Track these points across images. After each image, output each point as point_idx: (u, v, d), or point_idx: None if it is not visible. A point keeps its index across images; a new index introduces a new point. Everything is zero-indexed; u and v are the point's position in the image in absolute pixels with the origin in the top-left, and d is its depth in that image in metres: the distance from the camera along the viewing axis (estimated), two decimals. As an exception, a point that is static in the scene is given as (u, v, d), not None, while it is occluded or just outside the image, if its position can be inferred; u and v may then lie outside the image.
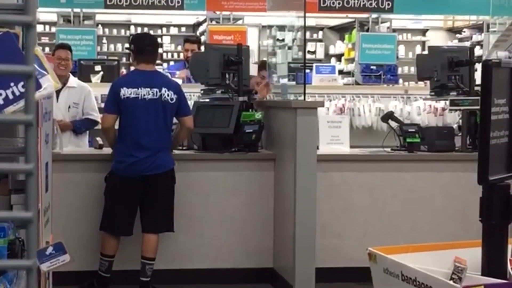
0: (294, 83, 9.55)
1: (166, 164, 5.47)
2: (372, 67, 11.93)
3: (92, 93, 6.56)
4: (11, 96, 2.59)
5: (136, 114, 5.37)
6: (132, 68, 9.11)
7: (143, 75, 5.44)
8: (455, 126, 6.67)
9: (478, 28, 14.99)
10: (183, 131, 5.62)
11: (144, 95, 5.37)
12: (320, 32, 16.49)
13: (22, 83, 2.51)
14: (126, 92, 5.37)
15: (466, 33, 15.83)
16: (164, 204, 5.52)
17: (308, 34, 15.54)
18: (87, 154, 6.00)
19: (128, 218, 5.49)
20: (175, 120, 5.59)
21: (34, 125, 1.25)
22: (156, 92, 5.38)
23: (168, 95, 5.40)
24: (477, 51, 12.65)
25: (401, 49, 15.63)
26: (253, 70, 6.72)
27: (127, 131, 5.42)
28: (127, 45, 16.08)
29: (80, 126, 6.45)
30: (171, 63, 16.62)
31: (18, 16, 1.24)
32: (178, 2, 11.65)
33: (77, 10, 12.16)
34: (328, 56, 16.13)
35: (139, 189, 5.43)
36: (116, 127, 5.57)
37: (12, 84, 2.59)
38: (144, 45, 5.52)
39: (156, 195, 5.47)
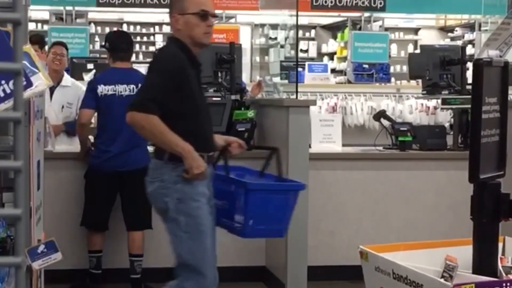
0: (286, 81, 9.56)
1: (140, 160, 5.45)
2: (364, 65, 11.94)
3: None
4: (2, 94, 2.59)
5: (113, 111, 5.41)
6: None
7: (120, 72, 5.50)
8: (446, 124, 6.69)
9: (470, 27, 15.02)
10: None
11: (121, 91, 5.45)
12: (313, 31, 16.50)
13: (13, 81, 2.50)
14: (104, 89, 5.45)
15: (458, 32, 15.86)
16: (140, 201, 5.52)
17: (300, 32, 15.55)
18: (79, 152, 5.98)
19: (103, 213, 5.54)
20: None
21: (23, 123, 1.25)
22: (133, 88, 5.45)
23: None
24: (469, 50, 12.69)
25: (393, 48, 15.65)
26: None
27: (104, 127, 5.49)
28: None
29: (74, 128, 6.42)
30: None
31: (6, 13, 1.24)
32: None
33: (69, 8, 12.14)
34: (320, 54, 16.14)
35: (114, 185, 5.48)
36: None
37: (3, 82, 2.58)
38: (119, 43, 5.58)
39: (132, 192, 5.49)
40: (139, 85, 5.40)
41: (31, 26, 14.88)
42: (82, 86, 6.61)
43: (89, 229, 5.60)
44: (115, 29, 16.14)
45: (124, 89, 5.45)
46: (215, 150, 4.03)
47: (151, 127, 3.75)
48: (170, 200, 3.84)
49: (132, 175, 5.43)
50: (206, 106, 4.07)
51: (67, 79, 6.51)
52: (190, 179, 3.77)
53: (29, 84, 2.77)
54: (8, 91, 2.61)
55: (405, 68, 14.52)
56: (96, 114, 5.61)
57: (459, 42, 14.85)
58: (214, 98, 6.19)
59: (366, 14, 12.73)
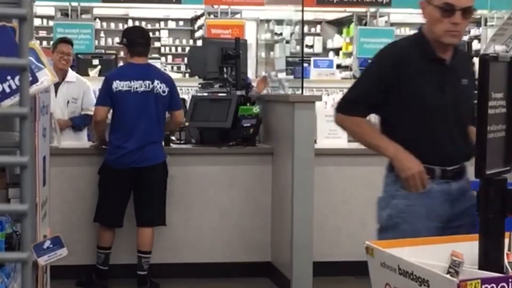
0: (292, 77, 9.56)
1: (156, 157, 5.48)
2: (370, 61, 11.91)
3: (91, 88, 6.56)
4: (7, 90, 2.60)
5: (128, 107, 5.40)
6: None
7: (136, 68, 5.47)
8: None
9: (476, 22, 14.98)
10: (172, 125, 5.68)
11: (136, 87, 5.41)
12: (318, 26, 16.48)
13: (18, 77, 2.51)
14: (118, 85, 5.41)
15: (464, 27, 15.80)
16: (155, 197, 5.54)
17: (306, 28, 15.53)
18: (85, 148, 6.00)
19: (118, 209, 5.53)
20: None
21: (29, 118, 1.25)
22: (149, 84, 5.42)
23: (160, 87, 5.44)
24: (475, 45, 12.66)
25: (399, 43, 15.60)
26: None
27: (119, 123, 5.46)
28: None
29: (80, 123, 6.44)
30: (169, 57, 16.62)
31: (12, 8, 1.23)
32: (176, -4, 11.64)
33: (74, 3, 12.16)
34: (326, 50, 16.13)
35: (129, 181, 5.46)
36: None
37: (8, 77, 2.59)
38: (136, 38, 5.55)
39: (146, 188, 5.49)
40: (155, 81, 5.41)
41: (37, 22, 14.91)
42: (87, 81, 6.64)
43: (103, 225, 5.59)
44: (120, 25, 16.17)
45: (140, 85, 5.41)
46: (464, 160, 3.34)
47: (352, 130, 3.44)
48: (384, 215, 3.42)
49: (147, 171, 5.44)
50: (449, 108, 3.32)
51: (71, 74, 6.53)
52: (405, 187, 3.26)
53: (35, 79, 2.77)
54: (14, 86, 2.61)
55: (410, 63, 14.46)
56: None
57: (465, 38, 14.81)
58: (219, 94, 6.20)
59: (372, 9, 12.71)
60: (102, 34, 16.02)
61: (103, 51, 13.95)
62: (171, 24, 16.76)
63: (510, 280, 2.72)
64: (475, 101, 2.90)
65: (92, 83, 6.82)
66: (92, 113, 6.39)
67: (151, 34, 17.11)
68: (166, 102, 5.48)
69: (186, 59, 14.91)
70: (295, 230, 5.54)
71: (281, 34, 14.50)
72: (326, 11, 15.00)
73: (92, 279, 5.63)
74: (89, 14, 12.70)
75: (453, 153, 3.34)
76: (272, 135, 6.04)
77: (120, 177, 5.45)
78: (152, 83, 5.43)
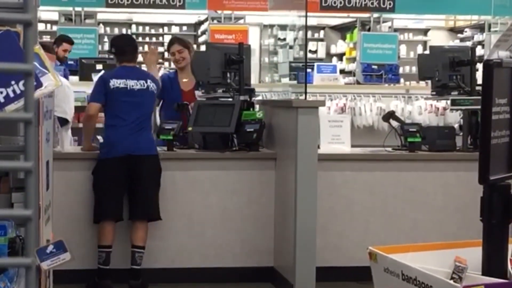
0: (295, 82, 9.57)
1: (149, 147, 5.68)
2: (373, 66, 11.93)
3: None
4: (11, 94, 2.60)
5: (124, 101, 5.64)
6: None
7: (129, 70, 5.78)
8: (456, 125, 6.67)
9: (480, 28, 14.98)
10: None
11: (132, 85, 5.68)
12: (322, 32, 16.49)
13: (23, 81, 2.52)
14: (115, 82, 5.67)
15: (468, 33, 15.82)
16: (151, 190, 5.66)
17: (309, 33, 15.54)
18: (88, 152, 6.00)
19: (116, 200, 5.62)
20: None
21: (34, 123, 1.25)
22: (143, 83, 5.72)
23: (153, 86, 5.77)
24: (479, 51, 12.62)
25: (403, 49, 15.62)
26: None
27: (113, 117, 5.67)
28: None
29: None
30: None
31: (17, 14, 1.24)
32: (179, 1, 11.65)
33: (78, 8, 12.18)
34: (329, 55, 16.13)
35: (123, 169, 5.58)
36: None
37: (13, 82, 2.60)
38: (124, 46, 5.85)
39: (143, 179, 5.61)
40: (148, 80, 5.71)
41: (40, 26, 14.93)
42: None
43: (104, 218, 5.60)
44: (124, 30, 16.19)
45: (135, 84, 5.68)
46: None
47: None
48: None
49: (141, 161, 5.58)
50: None
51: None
52: None
53: (39, 84, 2.78)
54: (18, 91, 2.62)
55: (414, 69, 14.48)
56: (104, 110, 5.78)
57: (468, 43, 14.81)
58: (223, 99, 6.21)
59: (375, 15, 12.71)
60: (105, 39, 16.00)
61: (106, 56, 13.95)
62: (175, 29, 16.76)
63: (513, 286, 2.72)
64: (479, 107, 2.90)
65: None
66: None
67: (154, 39, 17.12)
68: (155, 98, 5.91)
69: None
70: (298, 235, 5.54)
71: (284, 39, 14.48)
72: (329, 16, 15.02)
73: (95, 281, 5.63)
74: (92, 19, 12.72)
75: None
76: (275, 140, 6.04)
77: (115, 166, 5.57)
78: (146, 83, 5.72)
